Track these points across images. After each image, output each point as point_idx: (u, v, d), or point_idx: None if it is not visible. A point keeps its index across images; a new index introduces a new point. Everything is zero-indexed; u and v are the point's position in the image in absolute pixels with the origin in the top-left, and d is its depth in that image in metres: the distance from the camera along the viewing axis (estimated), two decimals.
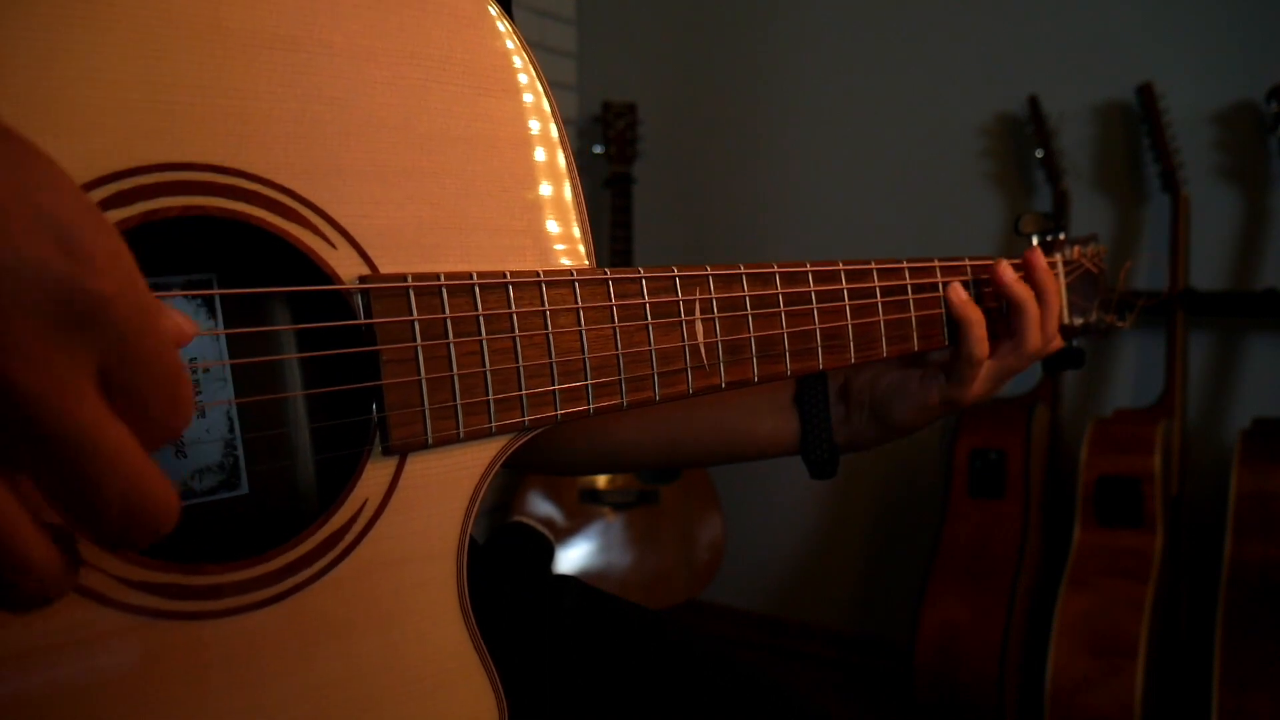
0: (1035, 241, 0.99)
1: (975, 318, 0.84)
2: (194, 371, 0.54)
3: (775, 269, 0.71)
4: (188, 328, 0.40)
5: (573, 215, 0.62)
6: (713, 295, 0.67)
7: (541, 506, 2.62)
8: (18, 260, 0.30)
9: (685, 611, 2.85)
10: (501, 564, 0.92)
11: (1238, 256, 2.23)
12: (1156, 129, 2.18)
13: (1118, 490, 2.08)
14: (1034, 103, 2.32)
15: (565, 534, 2.59)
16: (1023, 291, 0.86)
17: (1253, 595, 1.90)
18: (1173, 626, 2.10)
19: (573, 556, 2.59)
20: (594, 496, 2.65)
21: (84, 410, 0.32)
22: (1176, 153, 2.19)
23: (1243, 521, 1.96)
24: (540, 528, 2.49)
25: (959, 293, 0.86)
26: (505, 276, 0.57)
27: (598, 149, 2.85)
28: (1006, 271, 0.87)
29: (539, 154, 0.61)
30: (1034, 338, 0.87)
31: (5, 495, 0.32)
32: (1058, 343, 0.92)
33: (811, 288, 0.74)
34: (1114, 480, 2.08)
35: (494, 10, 0.59)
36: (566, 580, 0.91)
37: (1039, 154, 2.32)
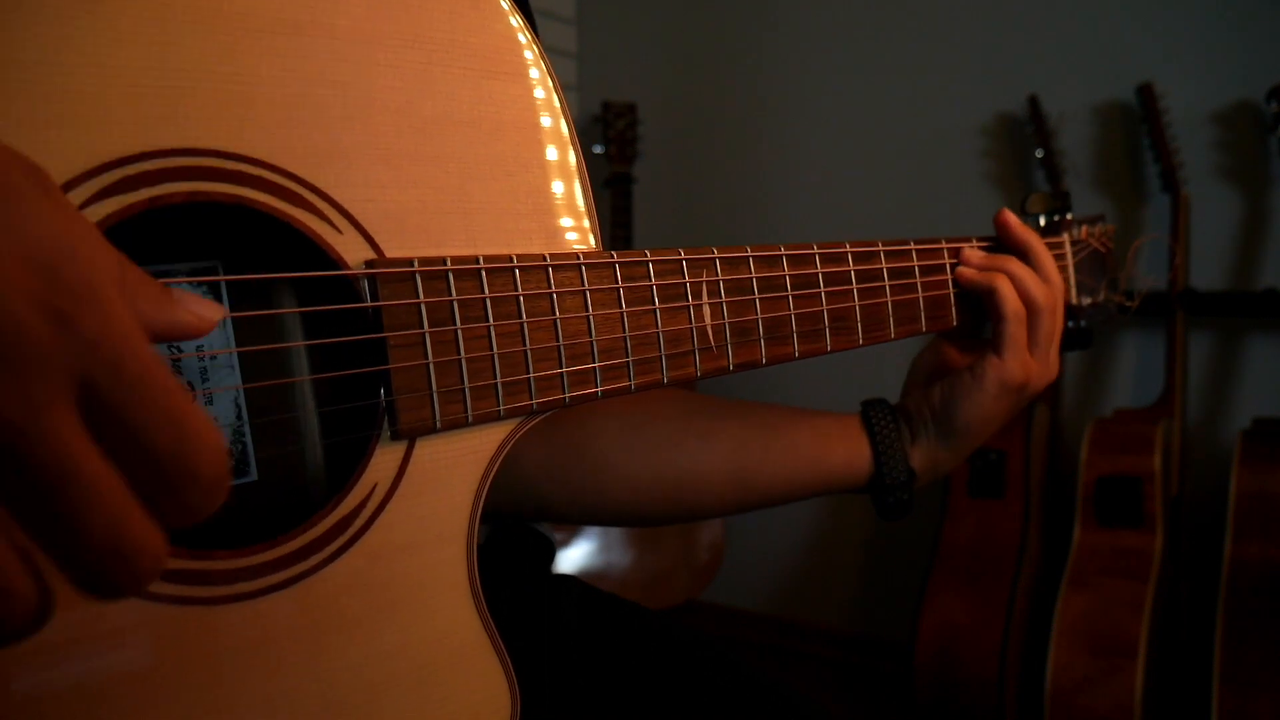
0: (1042, 221, 0.98)
1: (998, 277, 0.83)
2: (200, 359, 0.54)
3: (782, 251, 0.71)
4: (214, 315, 0.39)
5: (578, 197, 0.62)
6: (719, 277, 0.67)
7: None
8: None
9: (685, 611, 2.84)
10: (501, 564, 0.91)
11: (1238, 256, 2.23)
12: (1156, 129, 2.18)
13: (1118, 490, 2.08)
14: (1034, 103, 2.33)
15: (565, 534, 2.59)
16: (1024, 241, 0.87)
17: (1253, 595, 1.90)
18: (1173, 626, 2.10)
19: (573, 556, 2.58)
20: None
21: (57, 428, 0.30)
22: (1176, 153, 2.19)
23: (1243, 521, 1.96)
24: (541, 528, 2.48)
25: (970, 261, 0.84)
26: (512, 260, 0.57)
27: (598, 149, 2.85)
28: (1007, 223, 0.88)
29: (543, 137, 0.61)
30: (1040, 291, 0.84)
31: None
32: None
33: (819, 269, 0.74)
34: (1114, 480, 2.08)
35: None
36: (566, 580, 0.90)
37: (1039, 154, 2.33)
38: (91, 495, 0.31)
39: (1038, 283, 0.84)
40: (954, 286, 0.85)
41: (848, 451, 0.87)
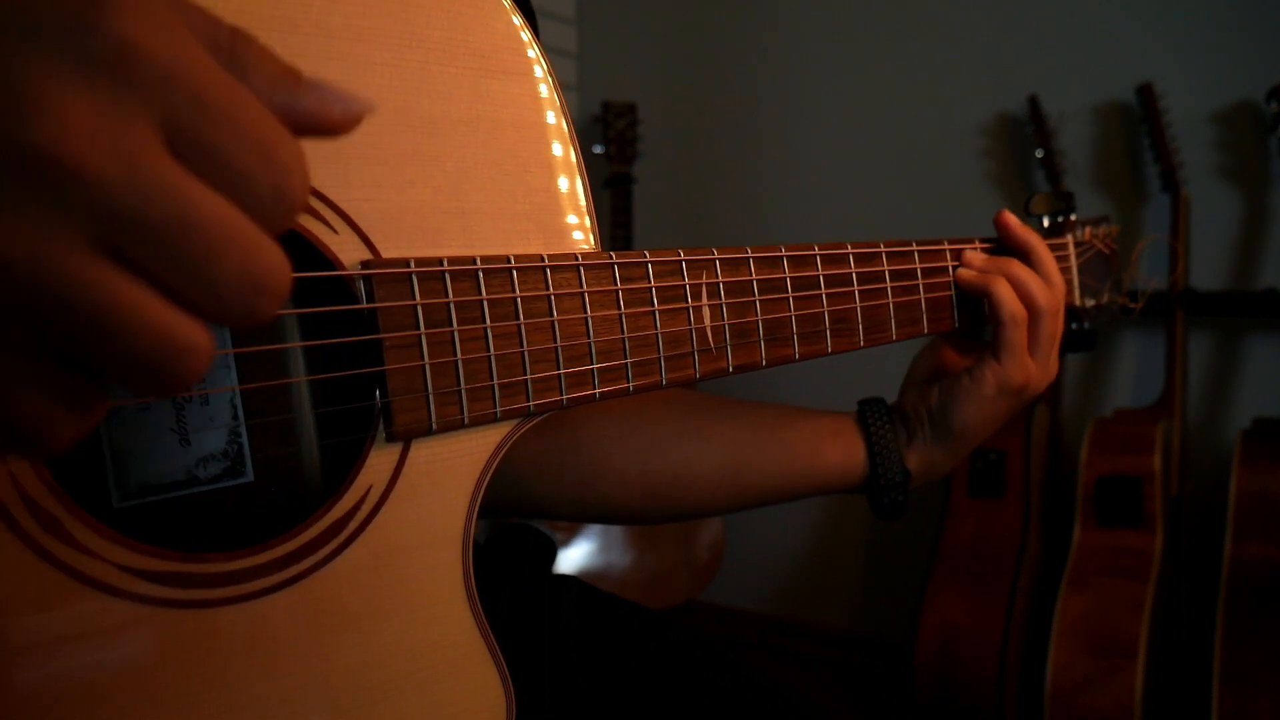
0: (1046, 223, 0.98)
1: (997, 280, 0.81)
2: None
3: (783, 252, 0.70)
4: (358, 108, 0.35)
5: (577, 198, 0.61)
6: (719, 279, 0.67)
7: None
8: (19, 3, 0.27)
9: (685, 611, 2.84)
10: (502, 563, 0.91)
11: (1238, 256, 2.23)
12: (1156, 129, 2.18)
13: (1118, 490, 2.07)
14: (1034, 103, 2.32)
15: (565, 534, 2.59)
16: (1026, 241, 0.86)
17: (1253, 595, 1.90)
18: (1173, 626, 2.10)
19: (573, 556, 2.58)
20: None
21: (156, 173, 0.28)
22: (1176, 153, 2.19)
23: (1243, 521, 1.96)
24: (543, 527, 2.48)
25: (970, 264, 0.84)
26: (509, 260, 0.56)
27: (598, 149, 2.85)
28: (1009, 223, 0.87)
29: (542, 137, 0.60)
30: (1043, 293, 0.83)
31: (118, 278, 0.28)
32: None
33: (819, 271, 0.73)
34: (1114, 480, 2.08)
35: None
36: (566, 580, 0.90)
37: (1039, 154, 2.32)
38: (217, 232, 0.29)
39: (1039, 285, 0.83)
40: (955, 288, 0.85)
41: (843, 452, 0.86)
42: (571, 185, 0.61)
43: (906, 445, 0.87)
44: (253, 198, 0.30)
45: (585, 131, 3.05)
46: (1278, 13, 2.15)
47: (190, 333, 0.30)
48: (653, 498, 0.86)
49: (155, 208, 0.28)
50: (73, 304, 0.28)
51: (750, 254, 0.68)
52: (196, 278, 0.29)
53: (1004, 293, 0.81)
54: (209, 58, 0.30)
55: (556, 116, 0.61)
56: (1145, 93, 2.19)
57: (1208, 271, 2.24)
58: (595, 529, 2.61)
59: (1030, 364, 0.83)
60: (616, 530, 2.62)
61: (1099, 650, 1.96)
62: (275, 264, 0.31)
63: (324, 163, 0.51)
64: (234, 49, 0.32)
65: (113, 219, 0.28)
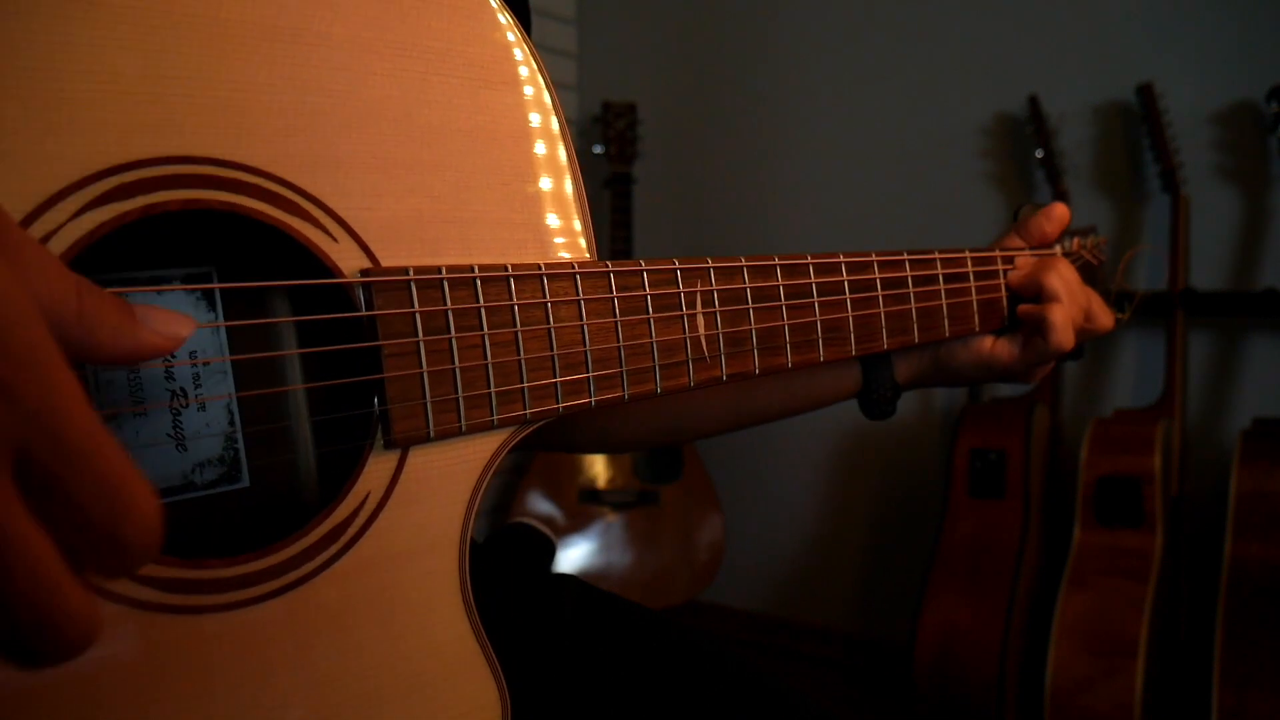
0: None
1: (1048, 274, 0.89)
2: (194, 366, 0.54)
3: (776, 261, 0.71)
4: (183, 330, 0.39)
5: (574, 208, 0.62)
6: (714, 288, 0.67)
7: (541, 506, 2.62)
8: None
9: (685, 612, 2.84)
10: (501, 564, 0.91)
11: (1238, 256, 2.23)
12: (1156, 129, 2.18)
13: (1118, 490, 2.08)
14: (1034, 103, 2.32)
15: (565, 534, 2.59)
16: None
17: (1253, 595, 1.90)
18: (1173, 626, 2.10)
19: (573, 556, 2.58)
20: (594, 497, 2.65)
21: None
22: (1176, 153, 2.19)
23: (1243, 521, 1.96)
24: (543, 527, 2.49)
25: (1021, 268, 0.92)
26: (507, 269, 0.57)
27: (598, 149, 2.85)
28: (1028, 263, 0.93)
29: (540, 147, 0.61)
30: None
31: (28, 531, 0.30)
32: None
33: (812, 280, 0.74)
34: (1114, 480, 2.08)
35: (495, 3, 0.59)
36: (566, 579, 0.91)
37: (1039, 154, 2.33)
38: (17, 568, 0.30)
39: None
40: (944, 298, 0.86)
41: (836, 369, 0.92)
42: (568, 195, 0.62)
43: (902, 355, 0.94)
44: (85, 540, 0.31)
45: (585, 131, 3.05)
46: (1278, 13, 2.15)
47: (78, 595, 0.31)
48: (660, 430, 0.94)
49: None
50: None
51: (744, 263, 0.69)
52: None
53: (1055, 282, 0.89)
54: (79, 396, 0.31)
55: (553, 127, 0.61)
56: (1145, 93, 2.19)
57: (1208, 271, 2.24)
58: (595, 530, 2.62)
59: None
60: (616, 530, 2.62)
61: (1099, 650, 1.97)
62: (76, 611, 0.31)
63: (323, 171, 0.52)
64: (81, 306, 0.34)
65: None
